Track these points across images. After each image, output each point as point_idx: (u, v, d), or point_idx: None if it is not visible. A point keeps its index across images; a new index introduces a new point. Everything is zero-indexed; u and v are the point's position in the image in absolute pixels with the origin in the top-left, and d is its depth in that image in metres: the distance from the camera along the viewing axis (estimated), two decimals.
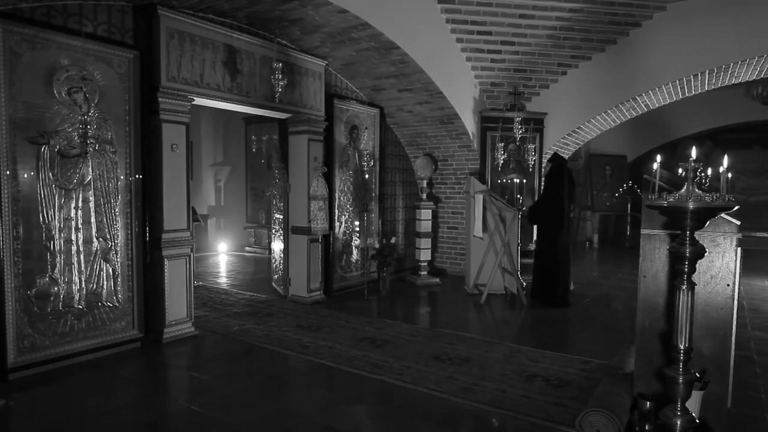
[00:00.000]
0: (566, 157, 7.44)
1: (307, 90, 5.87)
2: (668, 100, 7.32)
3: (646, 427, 2.45)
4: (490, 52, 6.59)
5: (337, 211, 6.51)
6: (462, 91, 6.86)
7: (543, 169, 7.30)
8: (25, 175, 3.60)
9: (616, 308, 6.01)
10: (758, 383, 3.62)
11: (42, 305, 3.71)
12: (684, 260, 2.09)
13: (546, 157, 7.44)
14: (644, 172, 11.43)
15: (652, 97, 6.95)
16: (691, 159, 2.11)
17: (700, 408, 2.43)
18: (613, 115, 7.39)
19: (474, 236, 6.38)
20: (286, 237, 6.19)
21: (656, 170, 2.45)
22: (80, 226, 3.92)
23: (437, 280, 7.35)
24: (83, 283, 3.96)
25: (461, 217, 7.79)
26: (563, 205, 5.96)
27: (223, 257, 10.13)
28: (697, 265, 2.16)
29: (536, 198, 7.23)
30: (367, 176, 6.98)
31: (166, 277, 4.42)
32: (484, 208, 6.28)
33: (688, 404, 2.14)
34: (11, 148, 3.51)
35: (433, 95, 6.57)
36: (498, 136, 6.92)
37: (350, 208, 6.77)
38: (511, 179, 7.14)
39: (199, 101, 4.77)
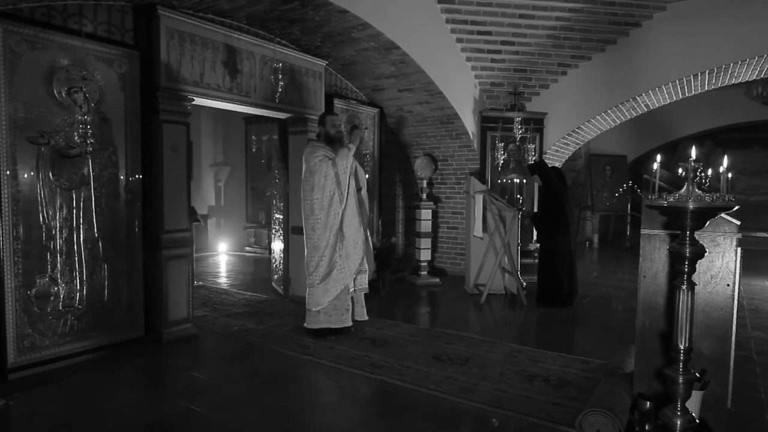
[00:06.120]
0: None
1: (307, 90, 5.87)
2: (668, 100, 7.32)
3: (646, 427, 2.45)
4: (490, 52, 6.59)
5: None
6: (462, 91, 6.86)
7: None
8: (25, 175, 3.60)
9: (616, 308, 6.01)
10: (758, 383, 3.62)
11: (42, 305, 3.71)
12: (684, 260, 2.09)
13: (545, 157, 7.44)
14: (644, 172, 11.48)
15: (652, 97, 6.95)
16: (691, 159, 2.11)
17: (700, 408, 2.43)
18: (613, 115, 7.38)
19: (474, 236, 6.38)
20: (286, 237, 6.18)
21: (656, 170, 2.45)
22: (80, 226, 3.93)
23: (437, 280, 7.34)
24: (83, 283, 3.96)
25: (461, 217, 7.78)
26: (563, 204, 5.97)
27: (223, 257, 10.13)
28: (697, 265, 2.16)
29: (535, 206, 7.23)
30: (367, 176, 6.96)
31: (166, 277, 4.42)
32: (484, 208, 6.28)
33: (688, 404, 2.14)
34: (11, 148, 3.51)
35: (433, 95, 6.57)
36: (498, 136, 6.92)
37: None
38: (511, 179, 7.14)
39: (199, 101, 4.77)
